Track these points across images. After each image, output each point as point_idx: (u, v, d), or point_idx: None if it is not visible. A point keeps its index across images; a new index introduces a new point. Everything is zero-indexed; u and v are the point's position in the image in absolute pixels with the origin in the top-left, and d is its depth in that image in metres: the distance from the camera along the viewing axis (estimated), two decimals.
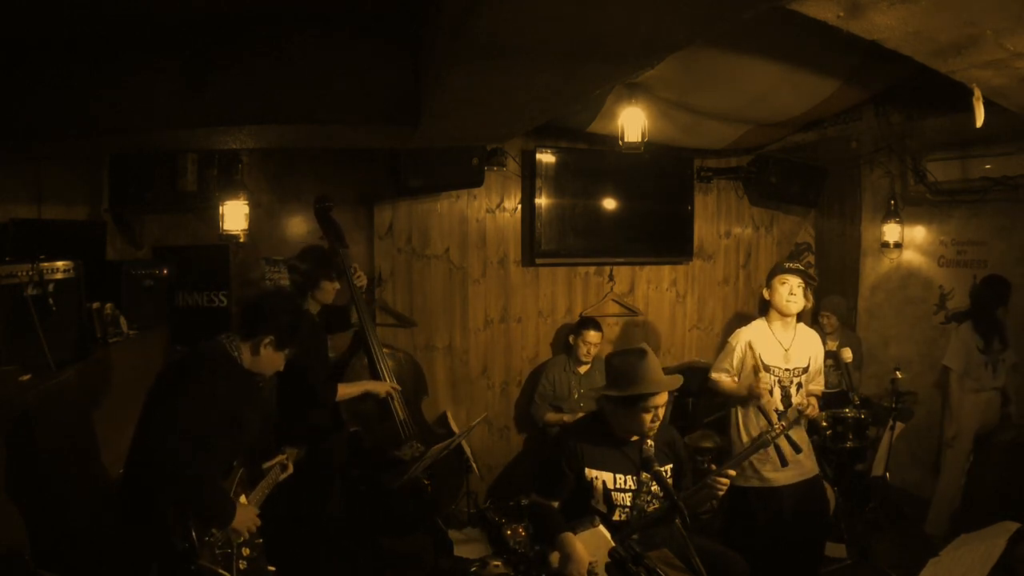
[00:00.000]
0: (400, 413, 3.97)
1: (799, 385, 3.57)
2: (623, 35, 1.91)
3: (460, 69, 2.18)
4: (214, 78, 2.66)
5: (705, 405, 4.67)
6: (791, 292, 3.48)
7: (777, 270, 3.57)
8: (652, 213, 5.31)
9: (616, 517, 2.76)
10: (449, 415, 4.86)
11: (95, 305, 3.14)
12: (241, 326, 2.56)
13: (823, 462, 4.32)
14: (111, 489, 2.65)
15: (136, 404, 2.41)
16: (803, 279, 3.50)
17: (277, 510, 2.73)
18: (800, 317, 3.65)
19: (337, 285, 3.76)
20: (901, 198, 5.25)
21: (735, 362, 3.58)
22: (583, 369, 4.78)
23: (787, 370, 3.52)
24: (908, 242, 5.29)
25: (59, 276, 2.81)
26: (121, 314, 3.35)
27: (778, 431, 3.08)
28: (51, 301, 2.71)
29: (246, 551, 2.41)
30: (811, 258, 5.98)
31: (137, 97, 2.67)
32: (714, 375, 3.66)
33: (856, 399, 4.23)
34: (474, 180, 4.71)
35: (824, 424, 4.25)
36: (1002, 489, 4.12)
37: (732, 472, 2.76)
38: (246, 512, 2.42)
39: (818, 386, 3.70)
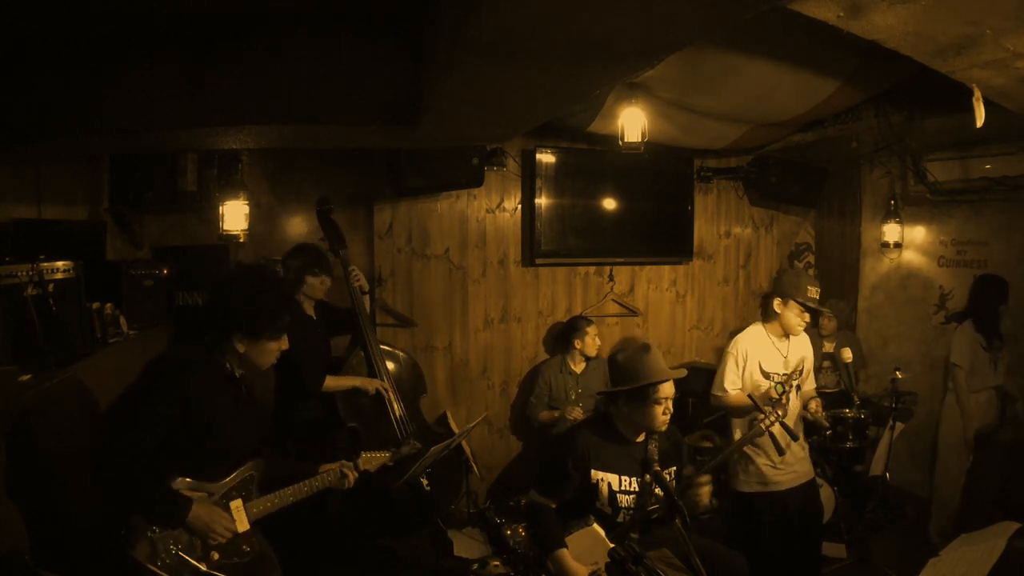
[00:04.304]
0: (396, 411, 3.98)
1: (798, 387, 3.57)
2: (623, 35, 1.91)
3: (460, 69, 2.18)
4: (214, 78, 2.65)
5: (705, 405, 4.66)
6: (805, 320, 3.47)
7: (800, 296, 3.40)
8: (652, 213, 5.31)
9: (620, 519, 2.75)
10: (449, 415, 4.86)
11: (95, 305, 3.13)
12: (209, 338, 2.41)
13: (822, 462, 4.33)
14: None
15: None
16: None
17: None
18: None
19: (325, 280, 3.79)
20: (901, 198, 5.25)
21: (739, 373, 3.52)
22: (579, 368, 4.78)
23: (785, 374, 3.51)
24: (908, 242, 5.29)
25: (59, 276, 2.81)
26: (121, 314, 3.35)
27: (772, 420, 3.07)
28: (51, 301, 2.70)
29: (215, 555, 2.30)
30: (811, 258, 5.99)
31: (137, 97, 2.66)
32: (718, 392, 3.55)
33: (856, 399, 4.23)
34: (474, 180, 4.71)
35: (824, 424, 4.25)
36: (1002, 489, 4.11)
37: (707, 477, 2.75)
38: (212, 514, 2.28)
39: (811, 384, 3.73)
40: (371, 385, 3.92)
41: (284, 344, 2.46)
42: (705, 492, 2.73)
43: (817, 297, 3.45)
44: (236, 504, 2.40)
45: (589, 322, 4.83)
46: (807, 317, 3.47)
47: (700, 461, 4.39)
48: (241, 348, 2.37)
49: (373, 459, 2.82)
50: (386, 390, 3.96)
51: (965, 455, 4.27)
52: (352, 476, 2.70)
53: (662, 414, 2.72)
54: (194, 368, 2.35)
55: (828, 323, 5.05)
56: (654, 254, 5.45)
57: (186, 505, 2.24)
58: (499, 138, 4.42)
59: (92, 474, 2.32)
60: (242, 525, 2.40)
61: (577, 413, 4.49)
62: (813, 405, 3.57)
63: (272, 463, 2.61)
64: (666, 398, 2.72)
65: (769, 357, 3.51)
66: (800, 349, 3.59)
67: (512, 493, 4.71)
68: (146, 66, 2.65)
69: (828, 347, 5.00)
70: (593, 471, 2.76)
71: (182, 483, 2.30)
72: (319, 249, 3.86)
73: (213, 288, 2.50)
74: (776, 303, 3.49)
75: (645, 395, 2.70)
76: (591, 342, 4.75)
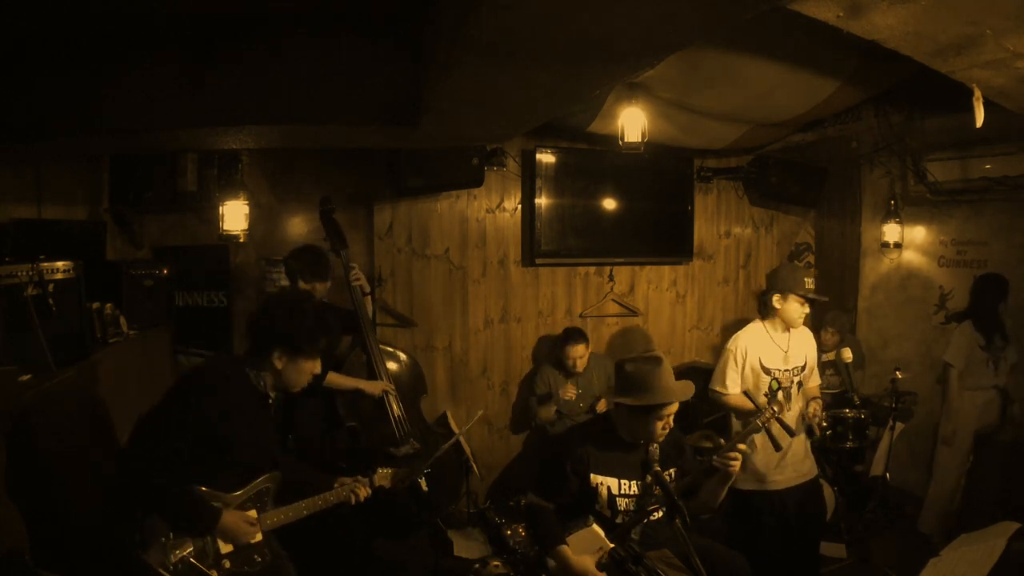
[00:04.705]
0: (395, 411, 3.98)
1: (799, 384, 3.57)
2: (623, 35, 1.91)
3: (460, 69, 2.18)
4: (214, 78, 2.66)
5: (705, 405, 4.66)
6: (805, 312, 3.49)
7: (799, 289, 3.43)
8: (652, 213, 5.31)
9: (620, 522, 2.75)
10: (449, 415, 4.86)
11: (95, 305, 3.14)
12: (248, 352, 2.46)
13: (823, 462, 4.32)
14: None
15: (136, 404, 2.41)
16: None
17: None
18: None
19: (316, 286, 3.78)
20: (901, 198, 5.25)
21: (738, 370, 3.53)
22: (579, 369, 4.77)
23: (786, 371, 3.52)
24: (908, 242, 5.29)
25: (59, 276, 2.81)
26: (121, 314, 3.35)
27: (768, 416, 3.07)
28: (51, 301, 2.71)
29: (226, 563, 2.32)
30: (811, 258, 5.98)
31: (137, 97, 2.67)
32: (718, 388, 3.57)
33: (856, 399, 4.23)
34: (474, 180, 4.71)
35: (824, 424, 4.25)
36: (1002, 489, 4.12)
37: (743, 446, 2.74)
38: (242, 518, 2.34)
39: (815, 382, 3.73)
40: (376, 388, 3.92)
41: (317, 367, 2.51)
42: (736, 459, 2.69)
43: (814, 288, 3.49)
44: (251, 515, 2.41)
45: (574, 340, 4.62)
46: (807, 309, 3.50)
47: (701, 461, 4.40)
48: (279, 364, 2.41)
49: (388, 476, 2.85)
50: (385, 393, 3.96)
51: (953, 454, 4.28)
52: (363, 493, 2.70)
53: (662, 428, 2.72)
54: (223, 383, 2.36)
55: (830, 338, 5.01)
56: (654, 254, 5.45)
57: (215, 514, 2.27)
58: (499, 138, 4.42)
59: (92, 474, 2.32)
60: (256, 536, 2.41)
61: (570, 393, 4.51)
62: (813, 408, 3.55)
63: (288, 468, 2.62)
64: (669, 414, 2.72)
65: (769, 353, 3.51)
66: (802, 345, 3.60)
67: (512, 493, 4.71)
68: (146, 66, 2.65)
69: (828, 356, 4.98)
70: (592, 475, 2.75)
71: (197, 491, 2.31)
72: (319, 254, 3.85)
73: (260, 305, 2.59)
74: (775, 299, 3.50)
75: (649, 411, 2.70)
76: (568, 362, 4.60)
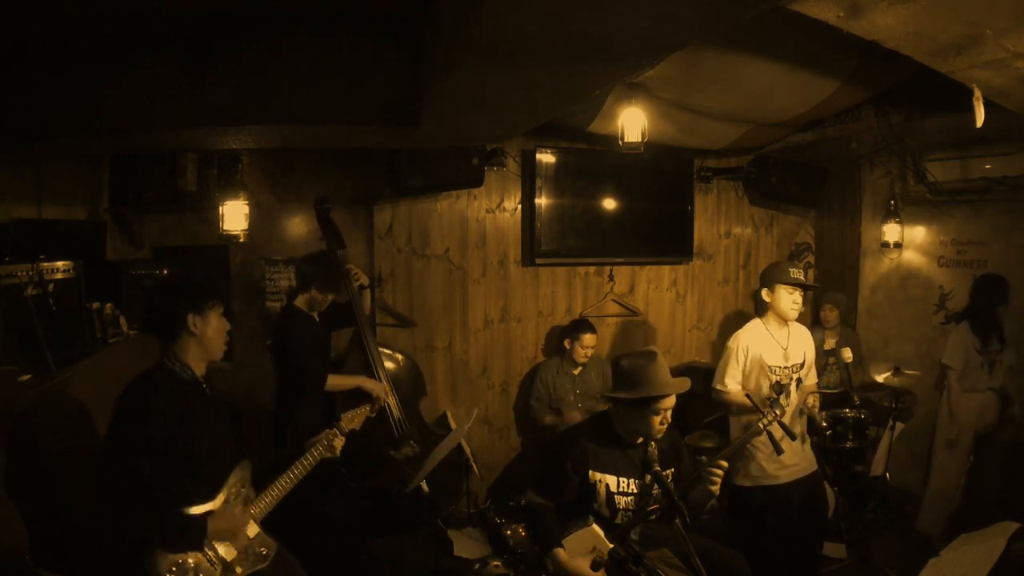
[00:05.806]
0: (394, 413, 3.97)
1: (799, 380, 3.57)
2: (623, 35, 1.91)
3: (460, 69, 2.18)
4: (214, 78, 2.66)
5: (705, 405, 4.66)
6: (795, 301, 3.49)
7: (784, 278, 3.48)
8: (652, 213, 5.31)
9: (619, 521, 2.75)
10: (449, 415, 4.86)
11: (95, 305, 3.14)
12: (159, 337, 2.35)
13: (823, 462, 4.32)
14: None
15: None
16: (809, 291, 3.53)
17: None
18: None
19: (328, 297, 3.76)
20: (901, 198, 5.24)
21: (740, 368, 3.54)
22: (577, 371, 4.78)
23: (786, 368, 3.52)
24: (908, 242, 5.29)
25: (59, 276, 2.82)
26: (121, 314, 3.35)
27: (769, 419, 3.08)
28: (51, 301, 2.72)
29: (238, 570, 2.29)
30: (811, 258, 5.98)
31: (137, 97, 2.67)
32: (719, 386, 3.58)
33: (856, 399, 4.23)
34: (474, 180, 4.71)
35: (824, 424, 4.24)
36: (1002, 489, 4.12)
37: (724, 463, 2.74)
38: (230, 519, 2.29)
39: (812, 380, 3.73)
40: (377, 387, 3.90)
41: (225, 323, 2.42)
42: (718, 475, 2.69)
43: (802, 277, 3.50)
44: (238, 510, 2.38)
45: (587, 329, 4.74)
46: (798, 298, 3.50)
47: (700, 461, 4.40)
48: (195, 330, 2.30)
49: (355, 417, 2.80)
50: (386, 393, 3.96)
51: (953, 455, 4.27)
52: (340, 442, 2.65)
53: (659, 424, 2.72)
54: (164, 392, 2.26)
55: (831, 314, 5.04)
56: (654, 254, 5.45)
57: (202, 524, 2.22)
58: (499, 138, 4.43)
59: (92, 474, 2.30)
60: (252, 529, 2.39)
61: (576, 417, 4.48)
62: (811, 400, 3.56)
63: (260, 458, 2.57)
64: (665, 409, 2.72)
65: (769, 350, 3.52)
66: (801, 342, 3.61)
67: (512, 493, 4.71)
68: (146, 66, 2.65)
69: (830, 343, 4.98)
70: (591, 472, 2.76)
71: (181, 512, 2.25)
72: (333, 265, 3.82)
73: (147, 302, 2.53)
74: (764, 293, 3.56)
75: (644, 405, 2.70)
76: (579, 350, 4.69)
